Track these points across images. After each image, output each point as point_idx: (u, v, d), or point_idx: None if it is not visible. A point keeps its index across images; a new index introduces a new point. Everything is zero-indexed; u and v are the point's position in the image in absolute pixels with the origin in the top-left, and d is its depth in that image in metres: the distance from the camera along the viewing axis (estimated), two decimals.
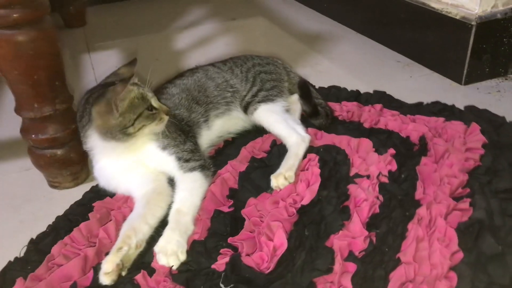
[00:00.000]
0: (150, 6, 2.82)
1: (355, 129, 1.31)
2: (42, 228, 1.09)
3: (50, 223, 1.11)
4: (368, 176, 1.11)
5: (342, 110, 1.42)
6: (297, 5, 2.64)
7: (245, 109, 1.30)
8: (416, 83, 1.68)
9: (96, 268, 0.94)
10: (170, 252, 0.93)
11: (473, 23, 1.51)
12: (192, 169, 1.10)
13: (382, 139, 1.25)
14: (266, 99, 1.29)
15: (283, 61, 1.49)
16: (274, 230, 0.96)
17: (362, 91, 1.55)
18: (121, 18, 2.66)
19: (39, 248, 1.02)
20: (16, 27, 1.03)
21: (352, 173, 1.14)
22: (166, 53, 2.12)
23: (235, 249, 0.96)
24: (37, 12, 1.04)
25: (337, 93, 1.55)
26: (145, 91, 1.07)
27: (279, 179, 1.10)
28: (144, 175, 1.11)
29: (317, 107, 1.32)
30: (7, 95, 1.79)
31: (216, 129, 1.28)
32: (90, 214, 1.08)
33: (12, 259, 1.00)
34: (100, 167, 1.12)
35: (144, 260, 0.96)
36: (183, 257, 0.94)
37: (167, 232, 0.97)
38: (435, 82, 1.67)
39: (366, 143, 1.22)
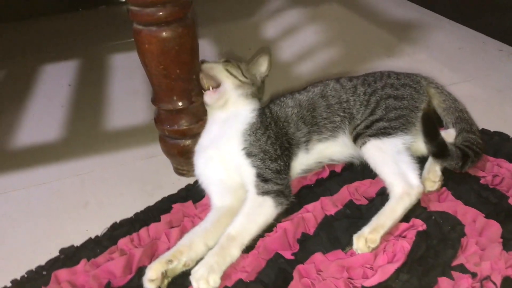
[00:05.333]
0: None
1: (493, 202, 1.03)
2: None
3: None
4: (474, 275, 0.86)
5: (491, 170, 1.12)
6: None
7: (355, 139, 1.13)
8: None
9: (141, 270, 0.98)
10: (198, 276, 0.92)
11: None
12: (265, 193, 1.04)
13: None
14: (381, 133, 1.09)
15: (431, 80, 1.26)
16: None
17: (467, 82, 1.43)
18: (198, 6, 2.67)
19: (113, 235, 1.10)
20: (165, 24, 1.09)
21: (455, 262, 0.90)
22: (257, 42, 2.10)
23: None
24: (184, 10, 1.09)
25: (498, 145, 1.21)
26: None
27: (360, 242, 0.95)
28: (226, 181, 1.12)
29: (446, 146, 1.05)
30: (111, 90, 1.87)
31: (315, 153, 1.17)
32: (162, 216, 1.12)
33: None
34: (196, 151, 1.21)
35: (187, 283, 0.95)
36: (214, 284, 0.91)
37: (208, 255, 0.96)
38: None
39: (495, 229, 0.95)
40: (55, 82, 1.96)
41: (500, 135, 1.26)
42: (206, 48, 2.10)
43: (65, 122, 1.68)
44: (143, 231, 1.08)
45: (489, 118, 1.35)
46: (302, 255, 0.97)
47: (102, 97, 1.81)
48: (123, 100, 1.78)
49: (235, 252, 0.97)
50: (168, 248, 1.02)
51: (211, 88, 1.20)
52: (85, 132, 1.61)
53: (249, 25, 2.34)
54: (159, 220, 1.11)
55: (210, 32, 2.28)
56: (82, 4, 2.75)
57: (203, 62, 1.25)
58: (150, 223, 1.10)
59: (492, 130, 1.29)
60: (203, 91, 1.21)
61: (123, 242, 1.06)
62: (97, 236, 1.11)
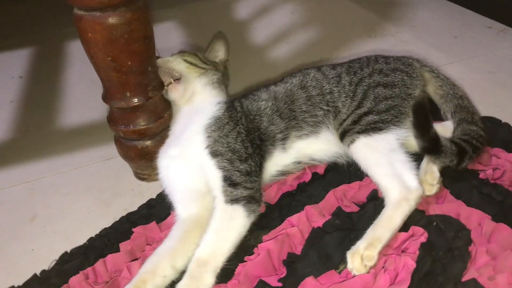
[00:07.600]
0: None
1: (498, 200, 0.91)
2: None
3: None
4: None
5: (489, 163, 1.00)
6: None
7: (342, 136, 0.99)
8: None
9: None
10: None
11: None
12: (234, 200, 0.90)
13: None
14: (371, 128, 0.95)
15: (424, 62, 1.13)
16: None
17: (455, 64, 1.34)
18: None
19: (63, 269, 0.93)
20: (110, 8, 0.92)
21: (466, 277, 0.78)
22: (228, 24, 1.96)
23: None
24: None
25: (492, 131, 1.08)
26: None
27: (355, 260, 0.82)
28: (190, 185, 0.99)
29: (438, 141, 0.92)
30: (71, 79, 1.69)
31: (293, 152, 1.03)
32: (121, 245, 0.96)
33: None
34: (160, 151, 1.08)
35: None
36: None
37: None
38: None
39: (506, 233, 0.84)
40: (4, 74, 1.76)
41: (491, 121, 1.15)
42: (172, 33, 1.92)
43: (14, 120, 1.50)
44: (99, 264, 0.91)
45: (480, 102, 1.25)
46: (291, 281, 0.83)
47: (56, 90, 1.63)
48: (79, 92, 1.60)
49: (208, 279, 0.83)
50: None
51: (172, 81, 1.07)
52: (35, 132, 1.43)
53: (219, 4, 2.16)
54: (117, 249, 0.95)
55: (176, 14, 2.09)
56: None
57: (156, 58, 1.10)
58: (106, 253, 0.93)
59: (483, 115, 1.17)
60: (165, 87, 1.08)
61: (76, 280, 0.88)
62: (43, 271, 0.93)
